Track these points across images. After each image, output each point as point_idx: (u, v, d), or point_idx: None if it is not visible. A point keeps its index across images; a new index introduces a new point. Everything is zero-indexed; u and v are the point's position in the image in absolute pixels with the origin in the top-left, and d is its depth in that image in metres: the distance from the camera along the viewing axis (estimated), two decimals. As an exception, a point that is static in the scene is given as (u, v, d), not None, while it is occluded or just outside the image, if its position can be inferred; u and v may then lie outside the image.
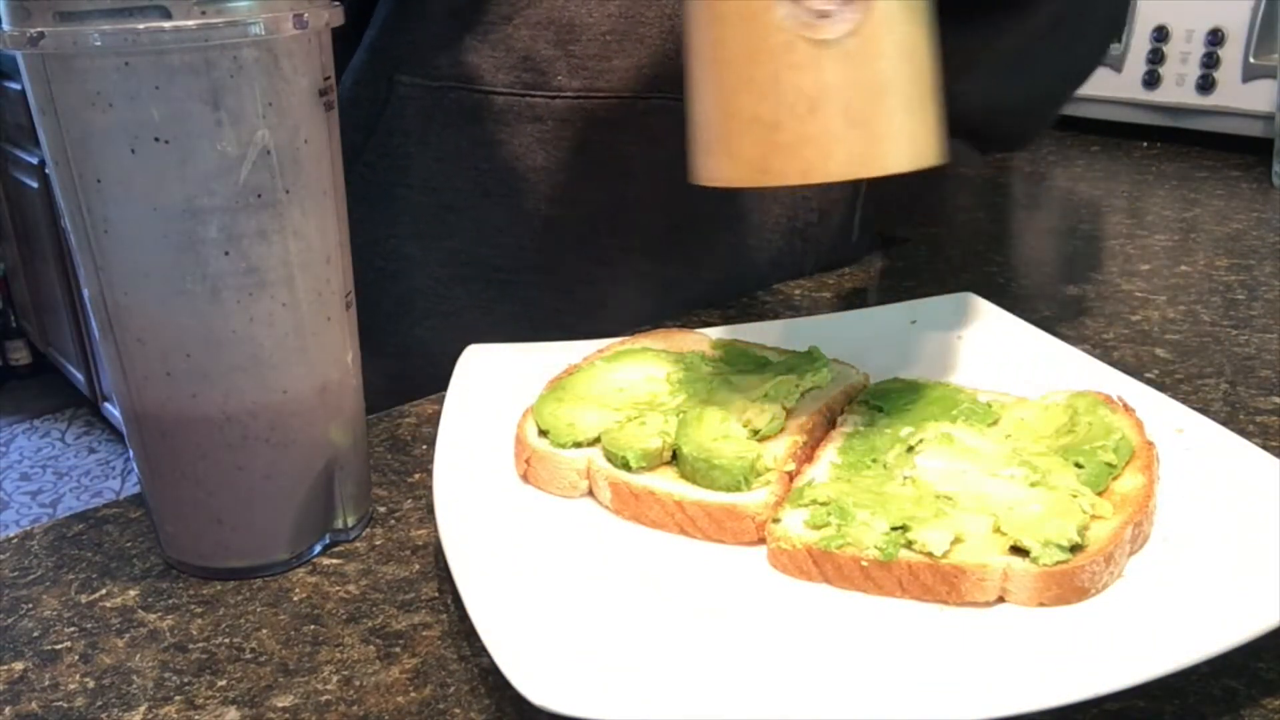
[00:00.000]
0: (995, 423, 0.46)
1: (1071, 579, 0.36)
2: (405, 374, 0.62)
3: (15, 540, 0.46)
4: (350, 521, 0.45)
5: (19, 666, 0.38)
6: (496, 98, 0.66)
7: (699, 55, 0.42)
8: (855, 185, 0.78)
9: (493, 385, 0.51)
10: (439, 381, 0.58)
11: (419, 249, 0.69)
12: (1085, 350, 0.54)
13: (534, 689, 0.31)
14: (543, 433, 0.46)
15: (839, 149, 0.40)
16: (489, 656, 0.33)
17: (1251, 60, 1.02)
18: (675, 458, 0.44)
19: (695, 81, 0.43)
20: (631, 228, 0.69)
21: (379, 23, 0.70)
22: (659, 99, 0.67)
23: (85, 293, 0.40)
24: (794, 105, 0.40)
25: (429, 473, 0.46)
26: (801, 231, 0.74)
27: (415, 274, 0.70)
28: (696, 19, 0.42)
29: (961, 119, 0.73)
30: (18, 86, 2.41)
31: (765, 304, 0.69)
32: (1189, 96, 1.07)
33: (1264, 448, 0.43)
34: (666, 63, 0.66)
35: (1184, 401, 0.48)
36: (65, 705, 0.37)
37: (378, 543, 0.45)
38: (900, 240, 0.83)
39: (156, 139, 0.37)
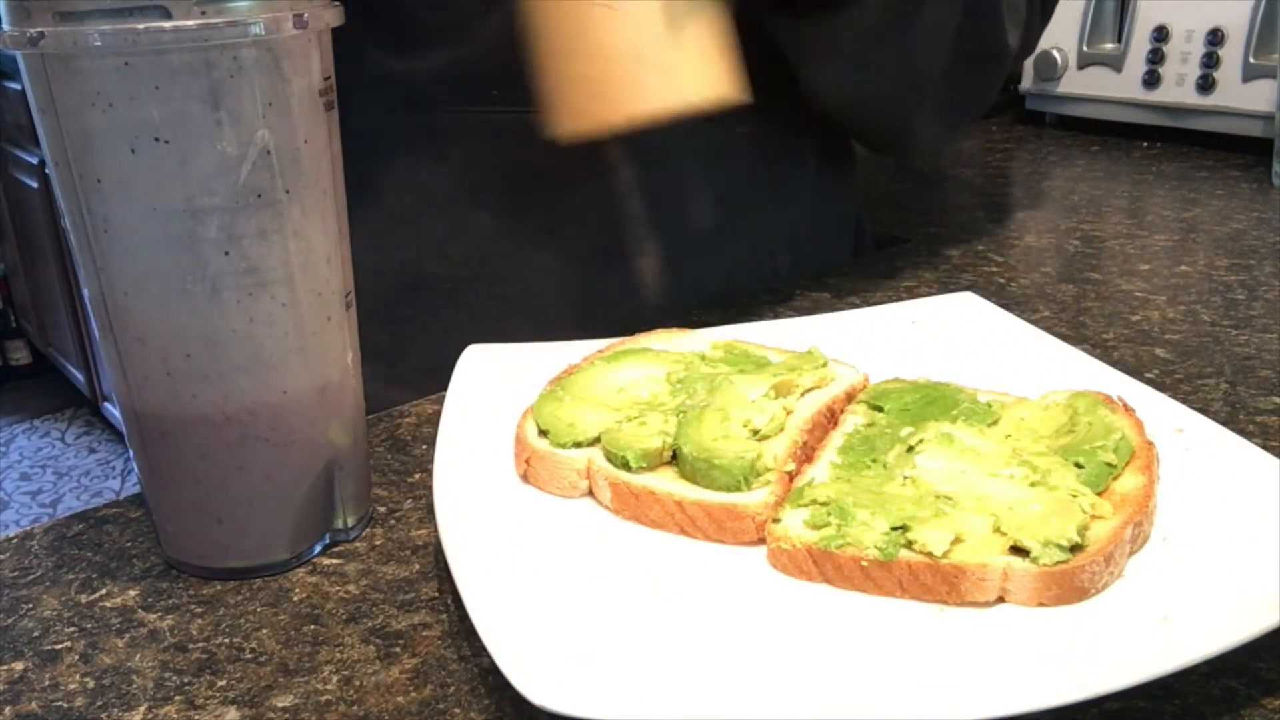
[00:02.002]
0: (995, 423, 0.46)
1: (1071, 579, 0.36)
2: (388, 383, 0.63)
3: (15, 540, 0.46)
4: (350, 521, 0.45)
5: (19, 666, 0.38)
6: (438, 115, 0.67)
7: (535, 36, 0.53)
8: (836, 187, 0.78)
9: (493, 385, 0.51)
10: (396, 388, 0.59)
11: (373, 261, 0.70)
12: (1085, 350, 0.54)
13: (534, 689, 0.31)
14: (543, 433, 0.46)
15: (644, 91, 0.51)
16: (489, 656, 0.33)
17: (1251, 60, 1.02)
18: (675, 458, 0.44)
19: (538, 57, 0.53)
20: (576, 238, 0.69)
21: None
22: None
23: (85, 293, 0.40)
24: (599, 59, 0.51)
25: (429, 473, 0.46)
26: (781, 239, 0.73)
27: (364, 288, 0.70)
28: (529, 7, 0.53)
29: (829, 108, 0.74)
30: (18, 86, 2.41)
31: (765, 304, 0.69)
32: (1189, 96, 1.07)
33: (1264, 448, 0.43)
34: None
35: (1184, 401, 0.48)
36: (65, 705, 0.37)
37: (378, 543, 0.45)
38: (900, 240, 0.83)
39: (156, 139, 0.37)
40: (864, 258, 0.85)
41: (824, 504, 0.40)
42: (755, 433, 0.45)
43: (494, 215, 0.69)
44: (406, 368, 0.66)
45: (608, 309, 0.70)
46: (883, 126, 0.78)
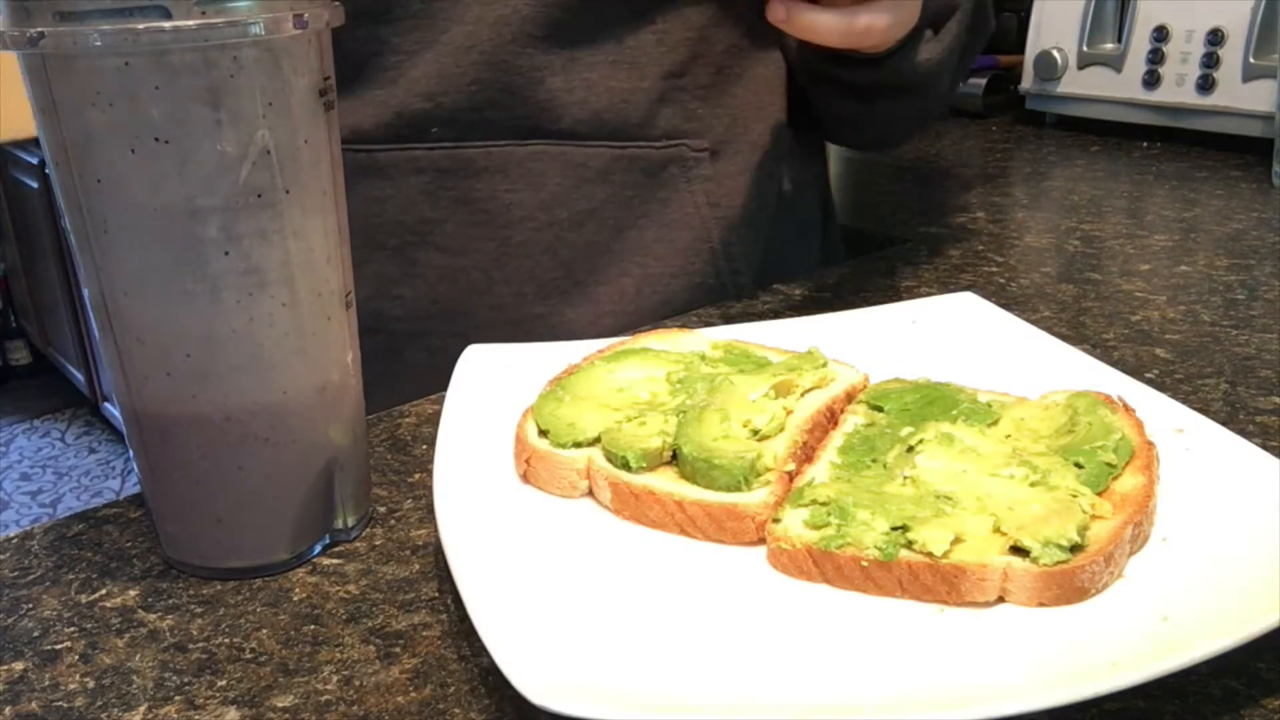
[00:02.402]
0: (995, 423, 0.46)
1: (1071, 579, 0.36)
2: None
3: (15, 540, 0.46)
4: (350, 521, 0.45)
5: (19, 666, 0.38)
6: (379, 154, 0.67)
7: None
8: (784, 201, 0.77)
9: (493, 385, 0.51)
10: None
11: None
12: (1085, 350, 0.54)
13: (534, 689, 0.31)
14: (543, 433, 0.46)
15: None
16: (489, 656, 0.33)
17: (1251, 60, 1.02)
18: (675, 458, 0.44)
19: None
20: (523, 274, 0.69)
21: None
22: (538, 144, 0.67)
23: (85, 293, 0.40)
24: None
25: (429, 473, 0.46)
26: (723, 252, 0.72)
27: None
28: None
29: (821, 118, 0.77)
30: (17, 86, 2.41)
31: (765, 304, 0.69)
32: (1189, 96, 1.07)
33: (1264, 448, 0.43)
34: (541, 112, 0.67)
35: (1184, 401, 0.48)
36: (65, 705, 0.37)
37: (378, 543, 0.45)
38: (900, 240, 0.83)
39: (156, 139, 0.37)
40: (836, 264, 0.85)
41: (824, 504, 0.40)
42: (755, 433, 0.45)
43: (443, 254, 0.69)
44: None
45: (570, 339, 0.69)
46: (865, 144, 0.85)
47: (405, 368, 0.69)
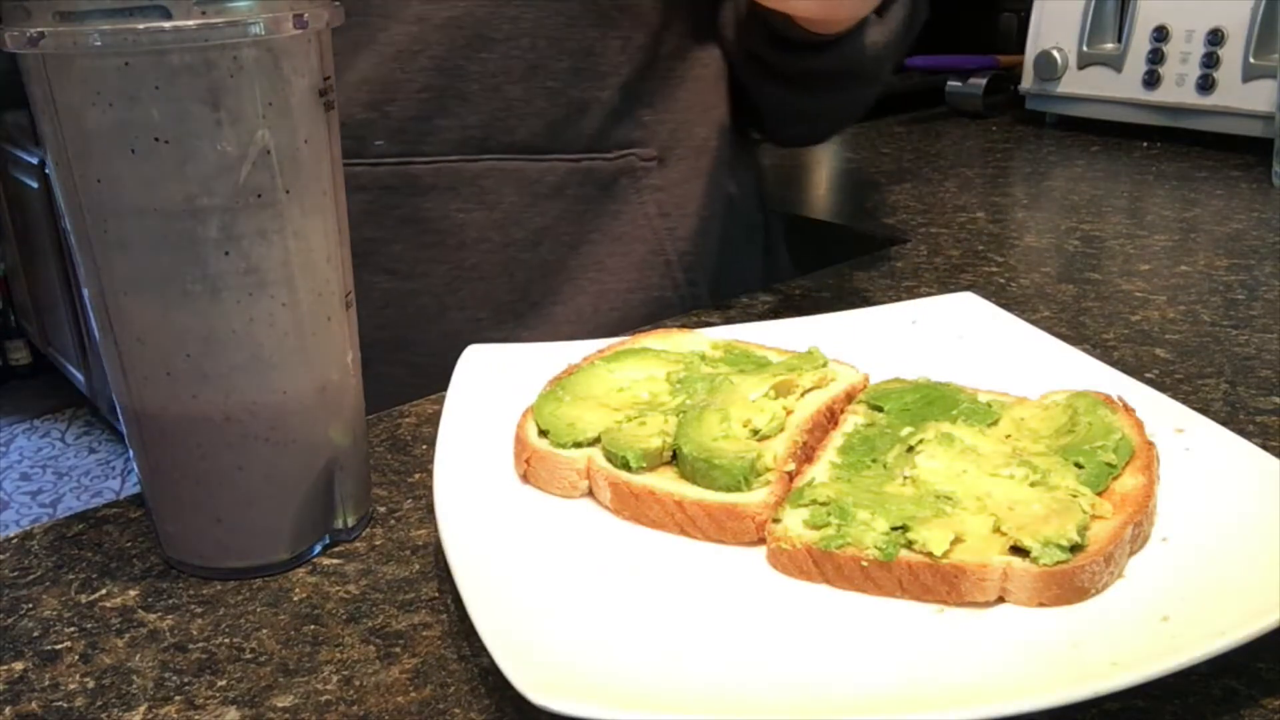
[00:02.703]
0: (995, 423, 0.46)
1: (1071, 579, 0.36)
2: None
3: (15, 540, 0.46)
4: (350, 521, 0.45)
5: (19, 666, 0.38)
6: None
7: None
8: (729, 205, 0.77)
9: (493, 385, 0.51)
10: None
11: None
12: (1085, 350, 0.54)
13: (534, 689, 0.31)
14: (543, 433, 0.46)
15: None
16: (489, 656, 0.33)
17: (1251, 60, 1.02)
18: (675, 458, 0.44)
19: None
20: (479, 298, 0.66)
21: None
22: (490, 160, 0.64)
23: (85, 293, 0.40)
24: None
25: (429, 473, 0.46)
26: (678, 263, 0.71)
27: None
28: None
29: (759, 113, 0.76)
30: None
31: (765, 304, 0.69)
32: (1189, 96, 1.07)
33: (1264, 448, 0.43)
34: (495, 122, 0.63)
35: (1184, 401, 0.48)
36: (65, 705, 0.37)
37: (378, 543, 0.45)
38: (900, 240, 0.83)
39: (156, 139, 0.37)
40: (782, 264, 0.84)
41: (824, 504, 0.40)
42: (755, 433, 0.45)
43: (390, 277, 0.65)
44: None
45: None
46: (804, 136, 0.84)
47: None
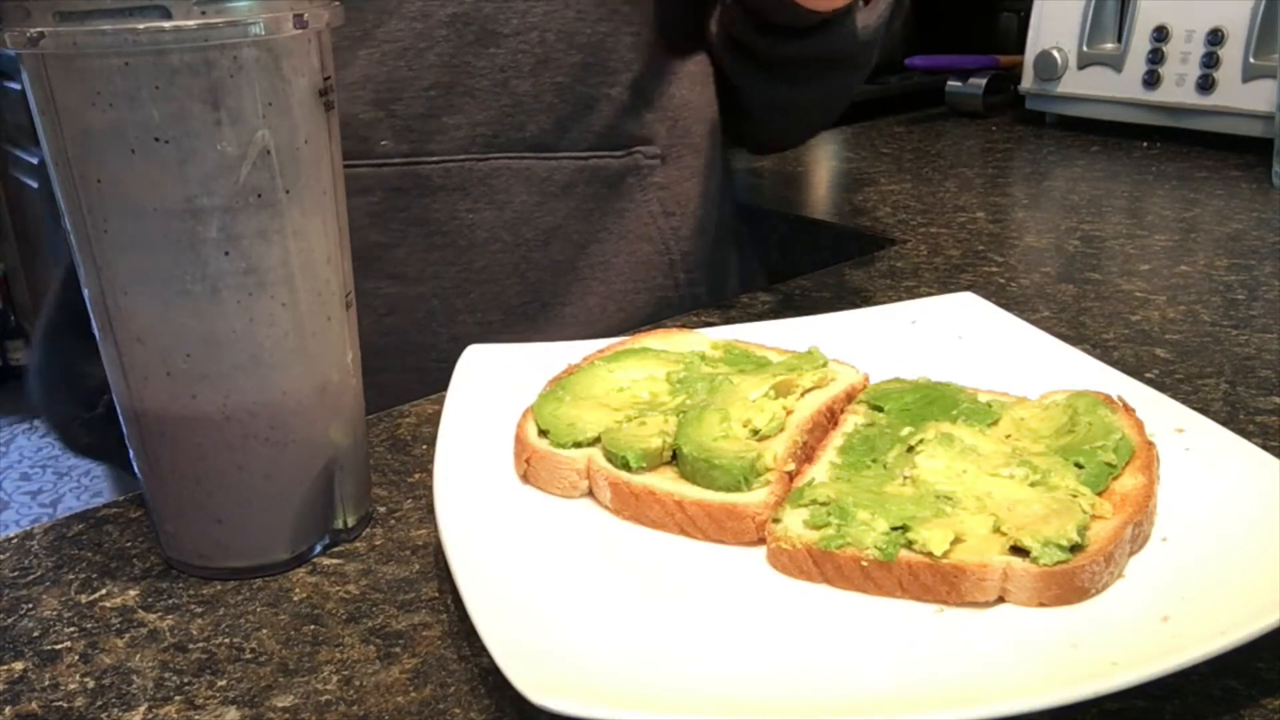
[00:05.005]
0: (995, 423, 0.46)
1: (1071, 579, 0.36)
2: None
3: (15, 540, 0.46)
4: (350, 521, 0.45)
5: (19, 666, 0.38)
6: None
7: None
8: (723, 205, 0.76)
9: (493, 385, 0.51)
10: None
11: None
12: (1085, 350, 0.54)
13: (534, 689, 0.31)
14: (543, 433, 0.46)
15: None
16: (489, 656, 0.33)
17: (1251, 60, 1.02)
18: (675, 458, 0.44)
19: None
20: (489, 300, 0.64)
21: None
22: (500, 158, 0.63)
23: (85, 293, 0.40)
24: None
25: (429, 473, 0.46)
26: (680, 263, 0.71)
27: None
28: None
29: (746, 111, 0.76)
30: (18, 86, 2.41)
31: (765, 304, 0.69)
32: (1189, 96, 1.07)
33: (1264, 448, 0.43)
34: (505, 119, 0.62)
35: (1184, 401, 0.48)
36: (65, 705, 0.37)
37: (378, 543, 0.45)
38: (900, 240, 0.83)
39: (156, 139, 0.37)
40: (747, 259, 0.84)
41: (824, 504, 0.40)
42: (755, 433, 0.45)
43: (396, 282, 0.63)
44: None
45: None
46: (790, 132, 0.83)
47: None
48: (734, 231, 0.81)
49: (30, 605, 0.42)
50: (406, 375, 0.64)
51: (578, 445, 0.45)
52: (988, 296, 0.60)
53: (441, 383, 0.51)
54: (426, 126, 0.62)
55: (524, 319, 0.66)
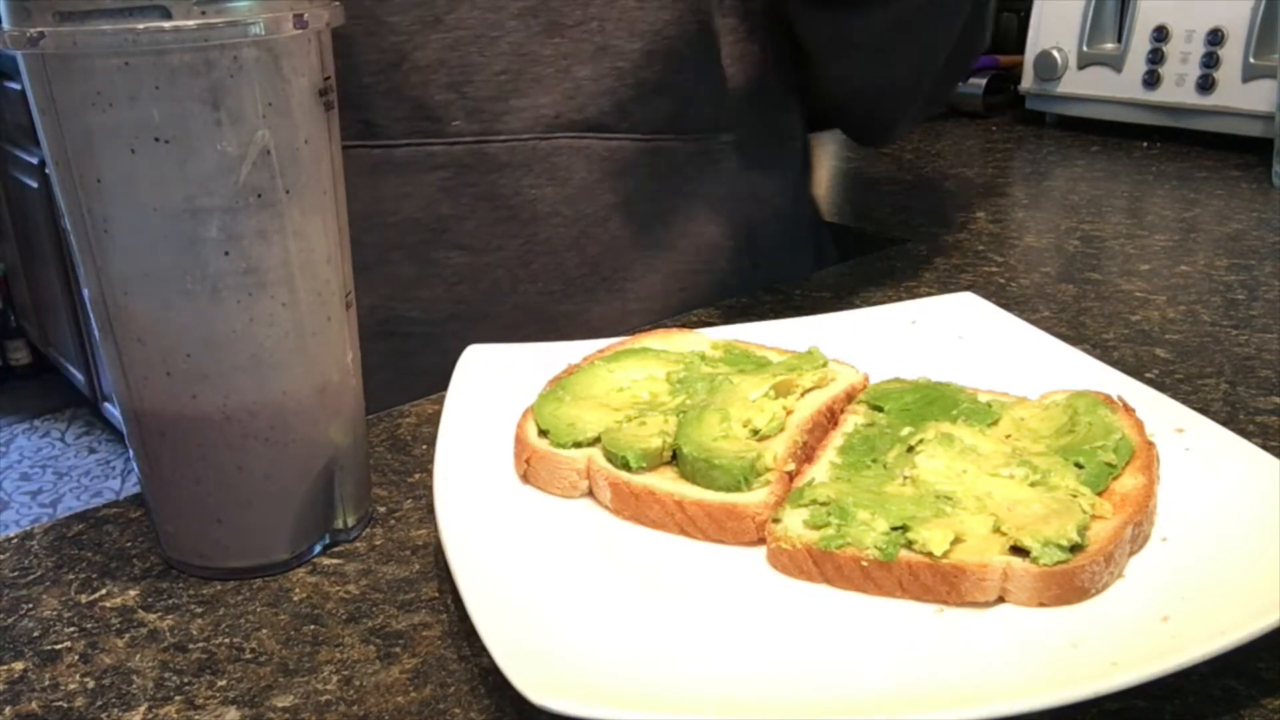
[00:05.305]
0: (995, 423, 0.46)
1: (1071, 579, 0.36)
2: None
3: (15, 540, 0.46)
4: (350, 521, 0.45)
5: (19, 666, 0.38)
6: (395, 150, 0.65)
7: None
8: (799, 194, 0.77)
9: (493, 385, 0.51)
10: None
11: None
12: (1085, 350, 0.54)
13: (534, 689, 0.31)
14: (543, 433, 0.46)
15: None
16: (489, 656, 0.33)
17: (1251, 60, 1.02)
18: (675, 458, 0.44)
19: None
20: (550, 271, 0.67)
21: None
22: (563, 138, 0.66)
23: (85, 293, 0.40)
24: None
25: (429, 473, 0.46)
26: (745, 248, 0.72)
27: None
28: None
29: (841, 100, 0.75)
30: (18, 86, 2.41)
31: (765, 304, 0.69)
32: (1189, 96, 1.07)
33: (1264, 448, 0.43)
34: (568, 101, 0.65)
35: (1184, 401, 0.48)
36: (65, 705, 0.37)
37: (378, 543, 0.45)
38: (900, 240, 0.83)
39: (156, 139, 0.37)
40: (827, 269, 0.85)
41: (824, 504, 0.40)
42: (755, 433, 0.45)
43: (464, 253, 0.67)
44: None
45: (596, 337, 0.68)
46: (875, 117, 0.80)
47: (419, 372, 0.66)
48: (809, 220, 0.82)
49: (30, 605, 0.42)
50: (470, 343, 0.67)
51: (578, 445, 0.45)
52: (988, 296, 0.60)
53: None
54: (495, 108, 0.65)
55: (584, 290, 0.68)
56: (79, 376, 2.84)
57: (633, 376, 0.50)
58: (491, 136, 0.65)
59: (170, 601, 0.42)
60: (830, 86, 0.76)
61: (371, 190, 0.66)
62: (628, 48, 0.66)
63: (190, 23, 0.36)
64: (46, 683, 0.38)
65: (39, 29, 0.35)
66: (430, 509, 0.45)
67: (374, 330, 0.67)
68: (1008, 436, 0.45)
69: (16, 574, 0.44)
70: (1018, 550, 0.37)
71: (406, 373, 0.66)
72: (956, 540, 0.38)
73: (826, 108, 0.79)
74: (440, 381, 0.51)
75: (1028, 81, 1.19)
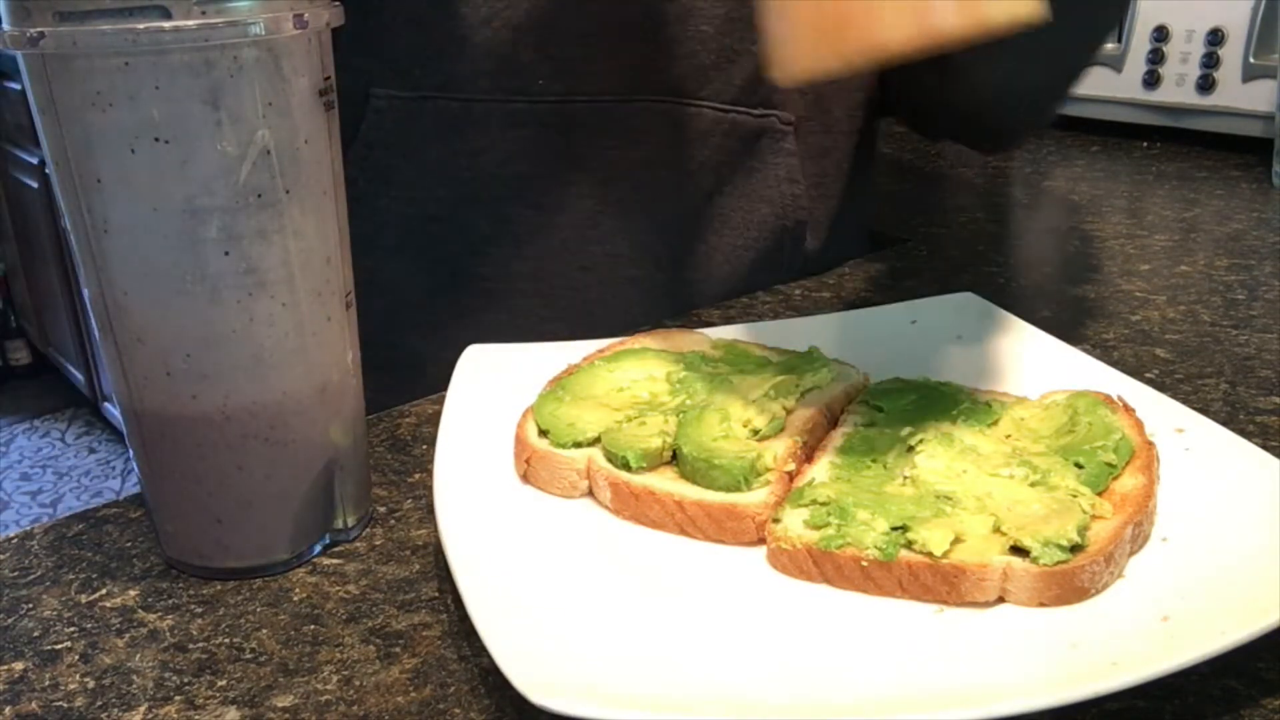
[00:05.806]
0: (995, 423, 0.46)
1: (1071, 579, 0.36)
2: (392, 385, 0.61)
3: (15, 540, 0.46)
4: (350, 521, 0.45)
5: (19, 666, 0.38)
6: (476, 104, 0.65)
7: None
8: (847, 184, 0.77)
9: (493, 385, 0.51)
10: (424, 391, 0.57)
11: (403, 260, 0.69)
12: (1085, 350, 0.54)
13: (534, 689, 0.31)
14: (543, 433, 0.46)
15: (895, 18, 0.39)
16: (489, 656, 0.33)
17: (1251, 60, 1.02)
18: (675, 458, 0.44)
19: None
20: (617, 232, 0.68)
21: (345, 38, 0.68)
22: (642, 100, 0.66)
23: (85, 293, 0.40)
24: None
25: (429, 473, 0.46)
26: (791, 231, 0.73)
27: (401, 285, 0.69)
28: None
29: (976, 106, 0.73)
30: (18, 86, 2.41)
31: (765, 304, 0.69)
32: (1189, 96, 1.07)
33: (1264, 448, 0.43)
34: (649, 63, 0.66)
35: (1184, 401, 0.48)
36: (65, 705, 0.37)
37: (378, 543, 0.45)
38: (900, 240, 0.83)
39: (156, 139, 0.37)
40: (859, 258, 0.85)
41: (824, 504, 0.40)
42: (755, 433, 0.45)
43: (536, 210, 0.67)
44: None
45: (595, 315, 0.68)
46: (1017, 126, 0.77)
47: (482, 327, 0.65)
48: (861, 210, 0.82)
49: (30, 605, 0.42)
50: (535, 301, 0.68)
51: (578, 445, 0.45)
52: (988, 296, 0.60)
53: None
54: (581, 69, 0.65)
55: (649, 256, 0.69)
56: (79, 376, 2.85)
57: (633, 376, 0.50)
58: (574, 96, 0.65)
59: (170, 601, 0.42)
60: (969, 90, 0.71)
61: (448, 144, 0.66)
62: (712, 12, 0.66)
63: (190, 23, 0.36)
64: (46, 683, 0.38)
65: (39, 29, 0.35)
66: (430, 509, 0.45)
67: (442, 283, 0.68)
68: (1008, 436, 0.45)
69: (16, 574, 0.44)
70: (1018, 550, 0.37)
71: (474, 325, 0.65)
72: (956, 540, 0.38)
73: (962, 112, 0.75)
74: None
75: (1028, 81, 1.19)
